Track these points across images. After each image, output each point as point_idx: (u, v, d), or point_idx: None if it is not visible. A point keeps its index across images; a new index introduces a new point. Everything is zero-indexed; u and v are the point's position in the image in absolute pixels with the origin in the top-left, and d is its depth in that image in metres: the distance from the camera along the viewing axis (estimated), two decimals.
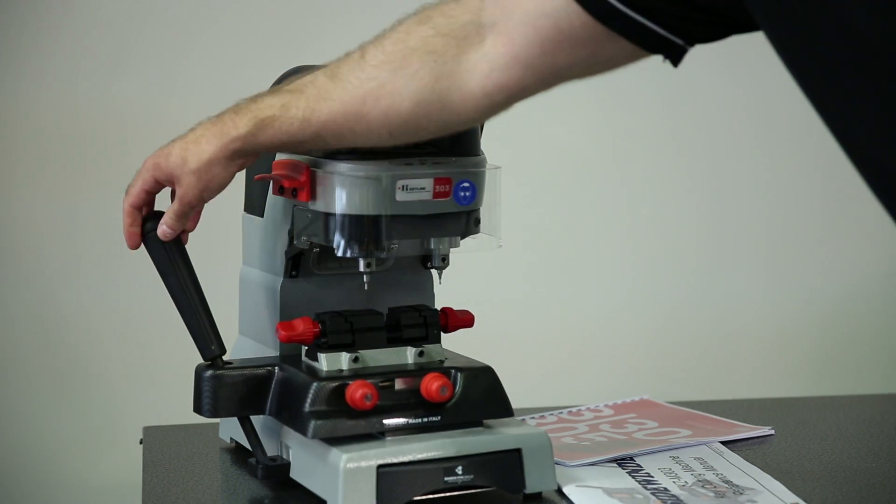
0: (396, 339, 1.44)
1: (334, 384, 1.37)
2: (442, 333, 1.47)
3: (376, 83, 1.29)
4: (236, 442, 1.57)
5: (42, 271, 2.21)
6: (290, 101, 1.31)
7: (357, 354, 1.41)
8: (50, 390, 2.22)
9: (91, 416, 2.23)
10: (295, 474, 1.41)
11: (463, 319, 1.49)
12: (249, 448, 1.44)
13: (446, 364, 1.43)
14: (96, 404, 2.23)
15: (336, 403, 1.36)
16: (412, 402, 1.39)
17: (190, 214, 1.39)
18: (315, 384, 1.37)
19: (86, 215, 2.22)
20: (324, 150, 1.36)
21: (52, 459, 2.23)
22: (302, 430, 1.36)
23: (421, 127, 1.32)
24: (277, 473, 1.42)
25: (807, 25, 1.06)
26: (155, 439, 1.64)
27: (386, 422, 1.37)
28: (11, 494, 2.24)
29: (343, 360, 1.41)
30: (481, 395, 1.41)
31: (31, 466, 2.23)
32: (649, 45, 1.20)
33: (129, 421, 1.97)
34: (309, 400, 1.36)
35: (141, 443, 1.63)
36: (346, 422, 1.36)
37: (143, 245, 1.42)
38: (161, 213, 1.40)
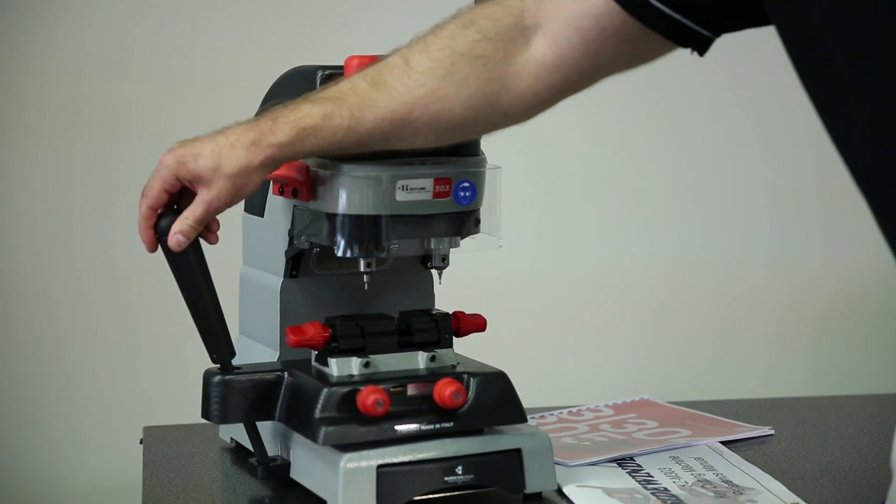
0: (408, 344, 1.42)
1: (345, 390, 1.35)
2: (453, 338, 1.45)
3: (425, 90, 1.29)
4: (236, 442, 1.57)
5: (41, 271, 2.21)
6: (333, 110, 1.29)
7: (368, 359, 1.40)
8: (50, 390, 2.22)
9: (91, 416, 2.23)
10: (295, 474, 1.41)
11: (475, 323, 1.47)
12: (249, 448, 1.43)
13: (459, 369, 1.42)
14: (97, 404, 2.23)
15: (347, 409, 1.35)
16: (424, 408, 1.37)
17: (209, 220, 1.34)
18: (325, 390, 1.35)
19: (86, 214, 2.21)
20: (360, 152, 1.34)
21: (52, 459, 2.23)
22: (312, 437, 1.34)
23: (468, 129, 1.34)
24: (277, 473, 1.41)
25: (810, 21, 1.09)
26: (155, 439, 1.64)
27: (398, 428, 1.36)
28: (11, 494, 2.24)
29: (354, 365, 1.39)
30: (494, 401, 1.40)
31: (32, 466, 2.23)
32: (681, 39, 1.26)
33: (129, 421, 1.97)
34: (319, 406, 1.34)
35: (141, 443, 1.63)
36: (358, 428, 1.34)
37: (160, 246, 1.35)
38: (175, 211, 1.34)
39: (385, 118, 1.29)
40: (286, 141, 1.28)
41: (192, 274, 1.35)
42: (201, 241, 1.35)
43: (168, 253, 1.34)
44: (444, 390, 1.36)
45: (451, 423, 1.37)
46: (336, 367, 1.39)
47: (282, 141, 1.28)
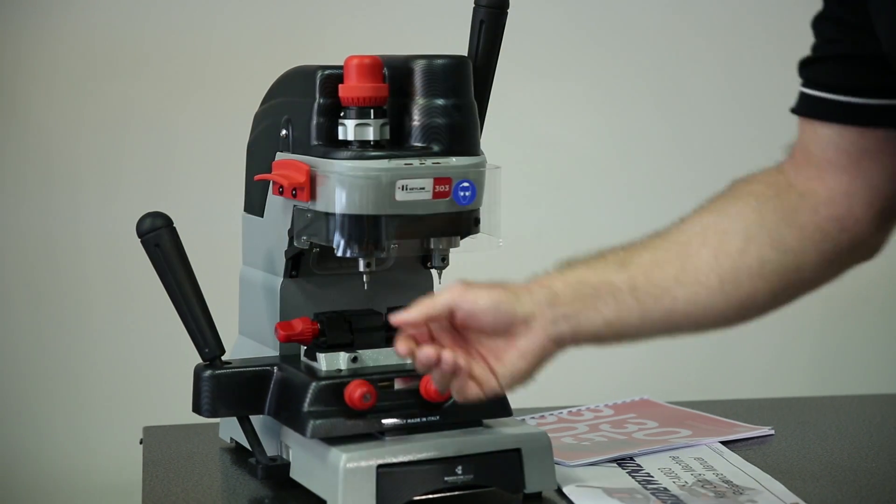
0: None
1: (333, 384, 1.37)
2: None
3: (700, 227, 1.33)
4: (236, 442, 1.57)
5: (42, 271, 2.21)
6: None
7: (356, 354, 1.42)
8: (50, 390, 2.22)
9: (91, 416, 2.23)
10: (295, 474, 1.41)
11: None
12: (249, 448, 1.44)
13: None
14: (96, 404, 2.23)
15: (335, 403, 1.37)
16: (411, 402, 1.39)
17: None
18: (314, 384, 1.37)
19: (87, 217, 2.22)
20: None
21: (52, 459, 2.23)
22: (301, 430, 1.36)
23: (754, 271, 1.31)
24: (277, 473, 1.42)
25: None
26: (155, 439, 1.64)
27: (385, 421, 1.38)
28: (11, 494, 2.24)
29: (342, 360, 1.41)
30: None
31: (32, 466, 2.23)
32: None
33: (129, 421, 1.97)
34: (308, 400, 1.36)
35: (141, 443, 1.63)
36: (345, 421, 1.36)
37: (143, 248, 1.41)
38: (160, 214, 1.40)
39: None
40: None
41: (174, 271, 1.40)
42: (182, 240, 1.41)
43: (149, 251, 1.39)
44: (430, 385, 1.37)
45: (438, 417, 1.39)
46: (324, 361, 1.41)
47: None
